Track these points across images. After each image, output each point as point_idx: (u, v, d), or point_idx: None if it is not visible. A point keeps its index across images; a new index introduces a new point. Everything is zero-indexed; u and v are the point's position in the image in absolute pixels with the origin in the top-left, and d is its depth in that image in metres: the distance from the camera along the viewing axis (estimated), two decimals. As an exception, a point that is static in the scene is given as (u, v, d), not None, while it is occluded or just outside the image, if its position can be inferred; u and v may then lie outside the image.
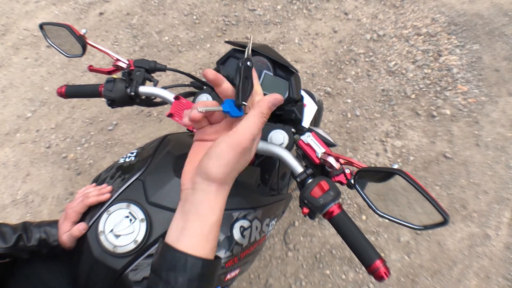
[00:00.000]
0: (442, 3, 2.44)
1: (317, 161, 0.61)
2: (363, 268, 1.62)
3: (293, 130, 0.71)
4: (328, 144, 0.66)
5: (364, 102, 2.05)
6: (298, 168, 0.61)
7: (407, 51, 2.21)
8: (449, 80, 2.10)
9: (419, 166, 1.85)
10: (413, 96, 2.05)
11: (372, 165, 1.84)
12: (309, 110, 1.04)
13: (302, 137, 0.65)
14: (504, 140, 1.93)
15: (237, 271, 0.74)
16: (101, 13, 2.51)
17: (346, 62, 2.19)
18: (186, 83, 0.93)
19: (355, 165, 0.57)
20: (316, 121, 1.23)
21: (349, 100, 2.05)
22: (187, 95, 0.87)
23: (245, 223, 0.72)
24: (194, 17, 2.43)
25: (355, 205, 1.74)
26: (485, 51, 2.23)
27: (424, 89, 2.07)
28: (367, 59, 2.20)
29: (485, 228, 1.71)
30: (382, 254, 1.64)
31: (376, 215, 0.54)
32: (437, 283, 1.59)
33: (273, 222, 0.87)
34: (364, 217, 1.71)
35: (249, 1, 2.47)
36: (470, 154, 1.89)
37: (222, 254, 0.66)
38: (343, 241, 0.54)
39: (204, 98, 0.78)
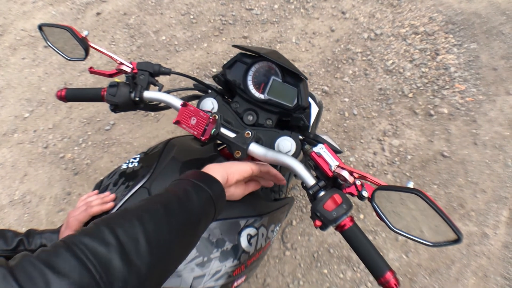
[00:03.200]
0: (440, 2, 2.44)
1: (331, 174, 0.60)
2: (361, 267, 1.62)
3: (300, 137, 0.71)
4: (335, 151, 0.65)
5: (361, 101, 2.04)
6: (311, 180, 0.60)
7: (405, 50, 2.21)
8: (446, 79, 2.10)
9: (417, 165, 1.84)
10: (410, 95, 2.05)
11: (370, 164, 1.84)
12: (312, 112, 1.04)
13: (315, 149, 0.63)
14: (502, 139, 1.93)
15: (243, 279, 0.73)
16: (98, 13, 2.51)
17: (344, 61, 2.19)
18: (186, 84, 0.92)
19: (368, 179, 0.56)
20: (316, 122, 1.23)
21: (346, 99, 2.05)
22: (190, 98, 0.86)
23: (252, 231, 0.72)
24: (191, 17, 2.42)
25: (353, 205, 1.73)
26: (483, 50, 2.23)
27: (421, 88, 2.07)
28: (364, 58, 2.19)
29: (483, 227, 1.71)
30: (380, 253, 1.63)
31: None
32: (435, 282, 1.59)
33: (277, 227, 0.87)
34: (362, 216, 1.71)
35: (246, 0, 2.47)
36: (467, 153, 1.89)
37: (229, 262, 0.66)
38: (354, 253, 0.54)
39: (209, 103, 0.76)
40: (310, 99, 1.02)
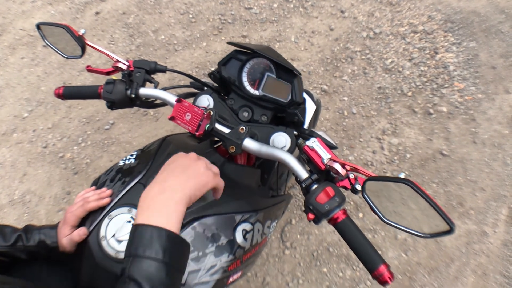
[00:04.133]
0: (439, 1, 2.44)
1: (323, 167, 0.61)
2: (360, 265, 1.63)
3: (295, 132, 0.71)
4: (330, 146, 0.65)
5: (360, 100, 2.05)
6: (303, 173, 0.60)
7: (404, 49, 2.21)
8: (445, 77, 2.10)
9: (416, 163, 1.85)
10: (409, 93, 2.05)
11: (369, 162, 1.84)
12: (309, 110, 1.04)
13: (308, 142, 0.64)
14: (501, 137, 1.93)
15: (239, 274, 0.73)
16: (97, 13, 2.50)
17: (343, 60, 2.19)
18: (185, 83, 0.92)
19: (361, 171, 0.57)
20: (314, 120, 1.23)
21: (345, 98, 2.05)
22: (187, 95, 0.87)
23: (247, 226, 0.72)
24: (190, 16, 2.42)
25: (352, 203, 1.74)
26: (482, 49, 2.23)
27: (420, 87, 2.07)
28: (363, 57, 2.19)
29: (482, 225, 1.71)
30: (380, 252, 1.63)
31: (381, 221, 0.54)
32: (434, 280, 1.59)
33: (274, 223, 0.87)
34: (361, 215, 1.71)
35: (246, -1, 2.47)
36: (467, 151, 1.89)
37: (225, 257, 0.66)
38: (348, 246, 0.54)
39: (205, 100, 0.77)
40: (307, 97, 1.02)
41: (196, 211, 0.66)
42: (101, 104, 2.09)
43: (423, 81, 2.09)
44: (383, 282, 0.49)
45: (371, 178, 0.54)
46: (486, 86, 2.09)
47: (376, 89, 2.08)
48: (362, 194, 0.55)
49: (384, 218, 0.53)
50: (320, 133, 0.72)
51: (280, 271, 1.60)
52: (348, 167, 0.58)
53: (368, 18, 2.36)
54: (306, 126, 0.81)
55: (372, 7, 2.41)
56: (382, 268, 0.49)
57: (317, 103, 1.13)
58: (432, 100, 2.03)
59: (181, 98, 0.69)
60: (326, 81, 2.12)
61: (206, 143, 0.84)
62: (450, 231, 0.47)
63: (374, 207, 0.54)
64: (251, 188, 0.80)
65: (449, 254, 1.64)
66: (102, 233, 0.61)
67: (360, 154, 1.87)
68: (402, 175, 0.52)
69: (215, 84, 0.85)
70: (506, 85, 2.10)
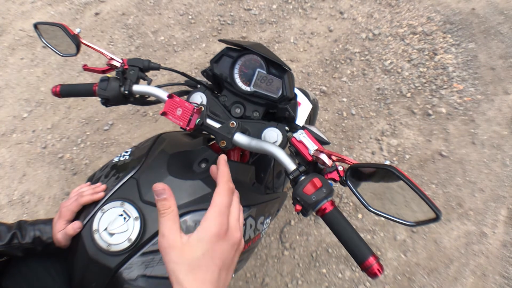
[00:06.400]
0: (438, 2, 2.44)
1: (310, 158, 0.61)
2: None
3: (286, 128, 0.71)
4: (321, 142, 0.65)
5: (359, 101, 2.05)
6: (291, 165, 0.61)
7: (403, 50, 2.21)
8: (444, 78, 2.10)
9: (415, 164, 1.85)
10: (408, 94, 2.06)
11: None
12: (304, 108, 1.05)
13: (295, 135, 0.64)
14: (500, 138, 1.93)
15: None
16: (96, 13, 2.51)
17: (342, 61, 2.19)
18: (181, 81, 0.93)
19: (347, 161, 0.57)
20: (311, 119, 1.23)
21: (344, 99, 2.05)
22: (181, 93, 0.87)
23: None
24: (190, 17, 2.43)
25: (351, 204, 1.74)
26: (481, 50, 2.24)
27: (419, 88, 2.08)
28: (362, 58, 2.20)
29: (482, 226, 1.72)
30: (379, 253, 1.64)
31: (371, 213, 0.54)
32: (433, 281, 1.59)
33: (268, 220, 0.87)
34: (360, 216, 1.71)
35: (245, 0, 2.47)
36: (466, 152, 1.89)
37: None
38: (336, 238, 0.54)
39: (198, 97, 0.78)
40: (302, 95, 1.03)
41: (187, 205, 0.66)
42: (100, 105, 2.09)
43: (422, 82, 2.09)
44: (372, 274, 0.49)
45: (354, 166, 0.54)
46: (485, 87, 2.09)
47: (375, 90, 2.08)
48: (345, 181, 0.55)
49: (368, 206, 0.53)
50: (313, 128, 0.72)
51: (279, 272, 1.60)
52: (334, 158, 0.58)
53: (367, 19, 2.36)
54: (298, 122, 0.81)
55: (371, 8, 2.41)
56: (371, 259, 0.49)
57: (314, 103, 1.13)
58: (431, 101, 2.03)
59: (172, 94, 0.69)
60: (325, 82, 2.12)
61: (199, 140, 0.84)
62: (436, 218, 0.46)
63: (358, 194, 0.53)
64: (244, 184, 0.81)
65: (448, 255, 1.64)
66: (95, 226, 0.61)
67: (359, 155, 1.87)
68: (388, 163, 0.52)
69: (209, 82, 0.86)
70: (505, 86, 2.10)
